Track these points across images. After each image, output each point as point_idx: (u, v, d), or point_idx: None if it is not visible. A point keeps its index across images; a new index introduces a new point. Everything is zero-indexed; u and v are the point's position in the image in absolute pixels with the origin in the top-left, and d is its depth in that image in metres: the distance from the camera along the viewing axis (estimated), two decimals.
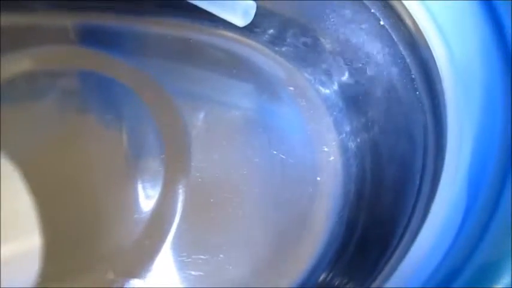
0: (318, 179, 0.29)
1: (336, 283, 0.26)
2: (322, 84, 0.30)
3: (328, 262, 0.27)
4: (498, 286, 0.18)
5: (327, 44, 0.29)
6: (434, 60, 0.23)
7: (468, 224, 0.20)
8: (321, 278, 0.27)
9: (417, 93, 0.24)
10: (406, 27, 0.24)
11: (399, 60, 0.25)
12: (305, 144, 0.30)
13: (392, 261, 0.20)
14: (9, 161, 0.26)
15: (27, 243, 0.26)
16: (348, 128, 0.30)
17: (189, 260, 0.27)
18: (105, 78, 0.29)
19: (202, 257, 0.27)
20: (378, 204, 0.27)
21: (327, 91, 0.30)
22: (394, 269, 0.20)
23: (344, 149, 0.29)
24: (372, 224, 0.27)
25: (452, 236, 0.19)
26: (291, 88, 0.30)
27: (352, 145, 0.29)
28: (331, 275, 0.27)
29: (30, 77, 0.29)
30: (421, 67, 0.24)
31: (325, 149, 0.29)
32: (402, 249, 0.20)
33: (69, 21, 0.30)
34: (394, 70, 0.26)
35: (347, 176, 0.29)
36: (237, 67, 0.31)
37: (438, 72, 0.22)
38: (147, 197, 0.28)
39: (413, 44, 0.24)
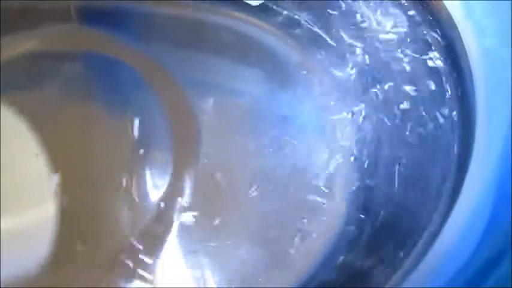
0: (331, 166, 0.28)
1: (357, 264, 0.26)
2: (337, 67, 0.29)
3: (338, 259, 0.26)
4: None
5: (342, 25, 0.28)
6: (463, 44, 0.21)
7: (495, 223, 0.19)
8: (340, 260, 0.26)
9: (441, 83, 0.23)
10: (428, 4, 0.23)
11: (420, 42, 0.24)
12: (318, 131, 0.29)
13: (408, 263, 0.19)
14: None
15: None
16: (364, 114, 0.29)
17: (199, 247, 0.26)
18: (111, 61, 0.29)
19: (212, 244, 0.26)
20: (393, 199, 0.26)
21: (342, 74, 0.29)
22: (414, 265, 0.18)
23: (359, 136, 0.28)
24: (387, 220, 0.26)
25: (480, 232, 0.18)
26: (305, 72, 0.30)
27: (367, 132, 0.28)
28: (342, 273, 0.26)
29: (32, 59, 0.28)
30: (447, 50, 0.23)
31: (339, 135, 0.29)
32: (419, 250, 0.19)
33: (75, 1, 0.29)
34: (415, 52, 0.25)
35: (361, 164, 0.28)
36: (248, 50, 0.30)
37: (467, 57, 0.21)
38: (155, 186, 0.27)
39: (438, 24, 0.23)
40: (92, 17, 0.29)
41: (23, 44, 0.28)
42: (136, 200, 0.27)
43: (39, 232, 0.26)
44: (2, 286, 0.24)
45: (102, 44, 0.29)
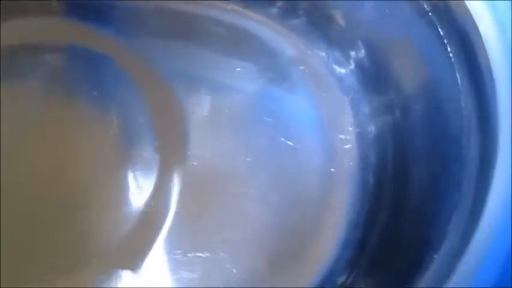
0: (332, 170, 0.27)
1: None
2: (337, 62, 0.28)
3: (345, 264, 0.25)
4: None
5: (341, 16, 0.27)
6: (478, 31, 0.20)
7: None
8: (339, 281, 0.25)
9: (453, 70, 0.22)
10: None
11: (429, 32, 0.23)
12: (318, 131, 0.28)
13: (430, 272, 0.18)
14: None
15: None
16: (366, 112, 0.28)
17: (185, 258, 0.26)
18: (94, 55, 0.28)
19: (199, 255, 0.26)
20: (402, 201, 0.25)
21: (343, 70, 0.28)
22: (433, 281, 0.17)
23: (362, 136, 0.27)
24: (396, 223, 0.25)
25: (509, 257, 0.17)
26: (302, 67, 0.29)
27: (371, 132, 0.27)
28: (351, 277, 0.25)
29: (11, 52, 0.28)
30: (460, 39, 0.21)
31: (341, 136, 0.28)
32: (441, 264, 0.18)
33: None
34: (423, 43, 0.24)
35: (365, 166, 0.27)
36: (240, 44, 0.29)
37: (483, 44, 0.20)
38: (140, 188, 0.26)
39: (449, 12, 0.21)
40: (75, 9, 0.28)
41: (3, 37, 0.28)
42: (121, 201, 0.26)
43: None
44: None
45: (85, 38, 0.28)
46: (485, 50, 0.20)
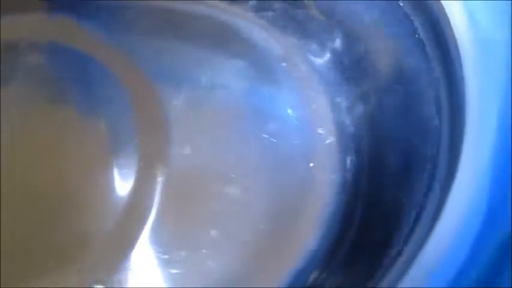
0: (311, 165, 0.27)
1: (329, 284, 0.25)
2: (314, 53, 0.28)
3: (320, 259, 0.25)
4: None
5: (317, 7, 0.27)
6: (449, 22, 0.20)
7: (490, 226, 0.17)
8: (312, 277, 0.25)
9: (427, 61, 0.22)
10: None
11: (405, 23, 0.23)
12: (298, 126, 0.28)
13: (399, 263, 0.18)
14: None
15: None
16: (344, 105, 0.28)
17: (167, 256, 0.25)
18: (77, 53, 0.28)
19: (182, 253, 0.25)
20: (377, 195, 0.25)
21: (320, 61, 0.28)
22: (400, 273, 0.17)
23: (340, 131, 0.27)
24: (372, 218, 0.25)
25: (472, 240, 0.17)
26: (281, 62, 0.29)
27: (349, 125, 0.27)
28: (324, 274, 0.25)
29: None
30: (432, 29, 0.21)
31: (320, 131, 0.27)
32: (410, 250, 0.18)
33: None
34: (399, 34, 0.24)
35: (343, 162, 0.27)
36: (221, 40, 0.29)
37: (455, 41, 0.20)
38: (121, 186, 0.26)
39: (423, 4, 0.21)
40: (59, 5, 0.28)
41: None
42: (105, 199, 0.26)
43: None
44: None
45: (68, 35, 0.28)
46: (455, 42, 0.20)
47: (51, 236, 0.26)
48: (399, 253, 0.18)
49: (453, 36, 0.20)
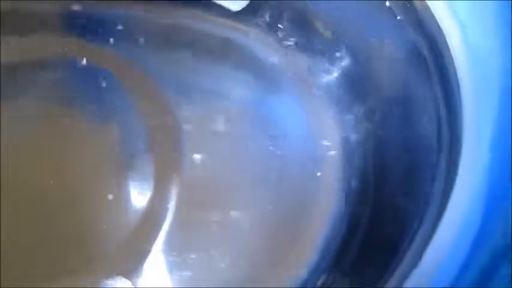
0: (318, 174, 0.28)
1: (337, 286, 0.25)
2: (322, 71, 0.29)
3: (328, 263, 0.26)
4: None
5: (325, 27, 0.28)
6: (447, 43, 0.21)
7: (488, 227, 0.18)
8: (320, 280, 0.26)
9: (427, 79, 0.23)
10: (415, 7, 0.23)
11: (406, 43, 0.24)
12: (304, 137, 0.29)
13: (403, 266, 0.18)
14: None
15: None
16: (349, 119, 0.28)
17: (181, 259, 0.26)
18: (90, 68, 0.28)
19: (194, 256, 0.26)
20: (382, 202, 0.26)
21: (327, 78, 0.29)
22: (404, 275, 0.18)
23: (345, 142, 0.28)
24: (376, 223, 0.26)
25: (471, 240, 0.18)
26: (289, 76, 0.29)
27: (354, 137, 0.28)
28: (331, 277, 0.26)
29: (13, 67, 0.28)
30: (432, 50, 0.23)
31: (326, 143, 0.28)
32: (413, 253, 0.19)
33: (54, 7, 0.28)
34: (401, 54, 0.25)
35: (349, 171, 0.28)
36: (230, 55, 0.29)
37: (451, 55, 0.21)
38: (137, 196, 0.27)
39: (422, 25, 0.23)
40: (73, 25, 0.29)
41: (3, 54, 0.28)
42: (119, 209, 0.26)
43: None
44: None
45: (82, 52, 0.29)
46: (452, 59, 0.21)
47: (67, 241, 0.26)
48: (403, 255, 0.19)
49: (450, 55, 0.21)
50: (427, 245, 0.18)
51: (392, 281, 0.19)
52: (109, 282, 0.26)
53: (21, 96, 0.28)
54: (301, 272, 0.26)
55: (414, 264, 0.18)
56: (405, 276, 0.18)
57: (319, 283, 0.26)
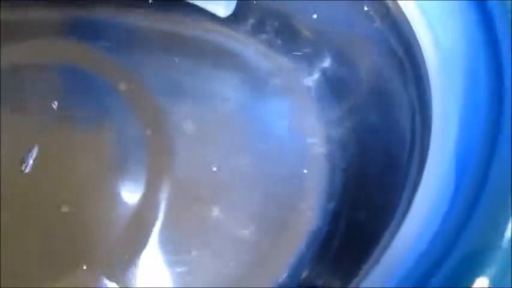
0: (305, 171, 0.28)
1: (319, 281, 0.26)
2: (305, 72, 0.30)
3: (311, 258, 0.27)
4: (482, 277, 0.17)
5: (307, 31, 0.29)
6: (419, 44, 0.22)
7: (452, 213, 0.19)
8: (304, 275, 0.27)
9: (402, 78, 0.24)
10: (390, 11, 0.24)
11: (383, 45, 0.25)
12: (291, 137, 0.29)
13: (376, 253, 0.19)
14: None
15: None
16: (332, 118, 0.29)
17: (174, 257, 0.27)
18: (86, 73, 0.29)
19: (185, 255, 0.27)
20: (362, 196, 0.27)
21: (310, 79, 0.30)
22: (377, 260, 0.19)
23: (329, 140, 0.29)
24: (357, 217, 0.27)
25: (437, 224, 0.19)
26: (274, 78, 0.30)
27: (336, 135, 0.29)
28: (314, 272, 0.26)
29: (12, 72, 0.29)
30: (406, 51, 0.23)
31: (310, 141, 0.29)
32: (386, 240, 0.20)
33: (53, 13, 0.29)
34: (378, 55, 0.26)
35: (332, 168, 0.28)
36: (220, 60, 0.30)
37: (422, 55, 0.22)
38: (130, 195, 0.27)
39: (397, 28, 0.24)
40: (69, 30, 0.29)
41: (4, 58, 0.29)
42: (111, 209, 0.27)
43: None
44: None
45: (79, 56, 0.29)
46: (422, 56, 0.22)
47: (60, 241, 0.26)
48: (379, 244, 0.20)
49: (421, 55, 0.22)
50: (395, 234, 0.19)
51: (368, 267, 0.20)
52: (101, 281, 0.26)
53: (20, 100, 0.28)
54: (288, 266, 0.27)
55: (383, 253, 0.19)
56: (372, 266, 0.19)
57: (303, 276, 0.26)
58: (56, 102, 0.28)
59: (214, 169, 0.28)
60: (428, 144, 0.20)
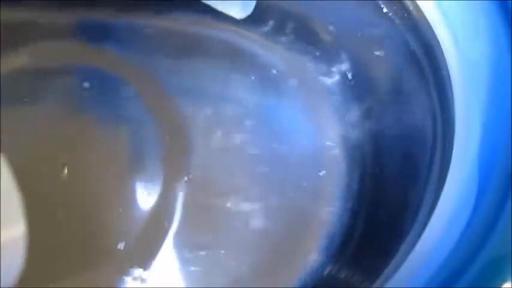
0: (321, 173, 0.28)
1: (343, 275, 0.26)
2: (323, 74, 0.30)
3: (332, 255, 0.27)
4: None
5: (326, 33, 0.29)
6: (440, 45, 0.22)
7: (477, 216, 0.19)
8: (327, 270, 0.27)
9: (422, 79, 0.24)
10: (410, 12, 0.24)
11: (403, 47, 0.25)
12: (308, 138, 0.29)
13: (400, 253, 0.20)
14: (6, 162, 0.25)
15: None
16: (350, 119, 0.29)
17: (190, 256, 0.27)
18: (104, 75, 0.29)
19: (202, 253, 0.27)
20: (381, 197, 0.27)
21: (328, 80, 0.30)
22: (401, 261, 0.19)
23: (346, 141, 0.29)
24: (376, 216, 0.27)
25: (461, 228, 0.19)
26: (292, 80, 0.30)
27: (354, 136, 0.29)
28: (336, 267, 0.27)
29: (27, 74, 0.29)
30: (426, 54, 0.23)
31: (328, 143, 0.29)
32: (410, 241, 0.20)
33: (68, 16, 0.29)
34: (397, 56, 0.26)
35: (349, 169, 0.28)
36: (237, 60, 0.30)
37: (444, 57, 0.22)
38: (148, 195, 0.27)
39: (418, 30, 0.24)
40: (86, 31, 0.30)
41: (18, 59, 0.29)
42: (129, 209, 0.27)
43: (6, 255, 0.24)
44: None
45: (95, 58, 0.29)
46: (445, 62, 0.22)
47: (77, 241, 0.27)
48: (400, 246, 0.20)
49: (443, 57, 0.22)
50: (420, 235, 0.19)
51: (392, 267, 0.20)
52: (119, 280, 0.26)
53: (34, 100, 0.28)
54: (308, 264, 0.27)
55: (408, 253, 0.19)
56: (397, 266, 0.19)
57: (326, 272, 0.27)
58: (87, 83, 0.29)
59: (231, 169, 0.28)
60: (451, 146, 0.20)
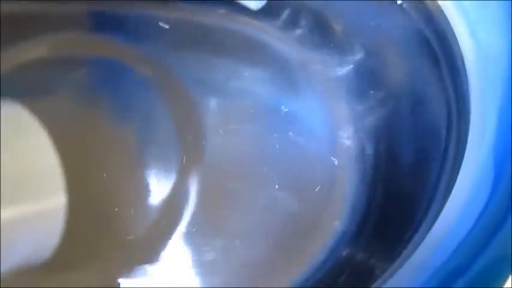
0: (336, 162, 0.29)
1: (360, 256, 0.26)
2: (337, 65, 0.30)
3: (348, 239, 0.27)
4: None
5: (340, 24, 0.29)
6: (455, 36, 0.22)
7: (492, 206, 0.19)
8: (344, 252, 0.27)
9: (437, 71, 0.24)
10: (424, 3, 0.24)
11: (417, 38, 0.25)
12: (321, 128, 0.30)
13: (416, 238, 0.20)
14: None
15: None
16: (363, 109, 0.29)
17: (204, 245, 0.27)
18: (117, 66, 0.29)
19: (216, 242, 0.27)
20: (394, 185, 0.27)
21: (342, 72, 0.30)
22: (415, 246, 0.19)
23: (360, 131, 0.29)
24: (388, 205, 0.27)
25: (474, 219, 0.19)
26: (306, 71, 0.30)
27: (367, 127, 0.29)
28: (354, 250, 0.27)
29: (42, 65, 0.29)
30: (441, 44, 0.23)
31: (342, 133, 0.29)
32: (424, 228, 0.20)
33: (82, 7, 0.29)
34: (412, 48, 0.26)
35: (362, 157, 0.28)
36: (251, 52, 0.30)
37: (460, 50, 0.22)
38: (161, 185, 0.28)
39: (432, 21, 0.24)
40: (102, 22, 0.30)
41: (33, 50, 0.29)
42: (142, 198, 0.27)
43: (46, 223, 0.24)
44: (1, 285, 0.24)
45: (110, 50, 0.29)
46: (461, 54, 0.22)
47: (90, 230, 0.27)
48: (415, 232, 0.21)
49: (459, 50, 0.22)
50: (432, 226, 0.19)
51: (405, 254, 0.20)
52: (130, 269, 0.27)
53: (51, 91, 0.28)
54: (324, 247, 0.27)
55: (420, 241, 0.19)
56: (411, 252, 0.19)
57: (344, 254, 0.27)
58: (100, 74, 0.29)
59: (244, 160, 0.28)
60: (466, 138, 0.21)
